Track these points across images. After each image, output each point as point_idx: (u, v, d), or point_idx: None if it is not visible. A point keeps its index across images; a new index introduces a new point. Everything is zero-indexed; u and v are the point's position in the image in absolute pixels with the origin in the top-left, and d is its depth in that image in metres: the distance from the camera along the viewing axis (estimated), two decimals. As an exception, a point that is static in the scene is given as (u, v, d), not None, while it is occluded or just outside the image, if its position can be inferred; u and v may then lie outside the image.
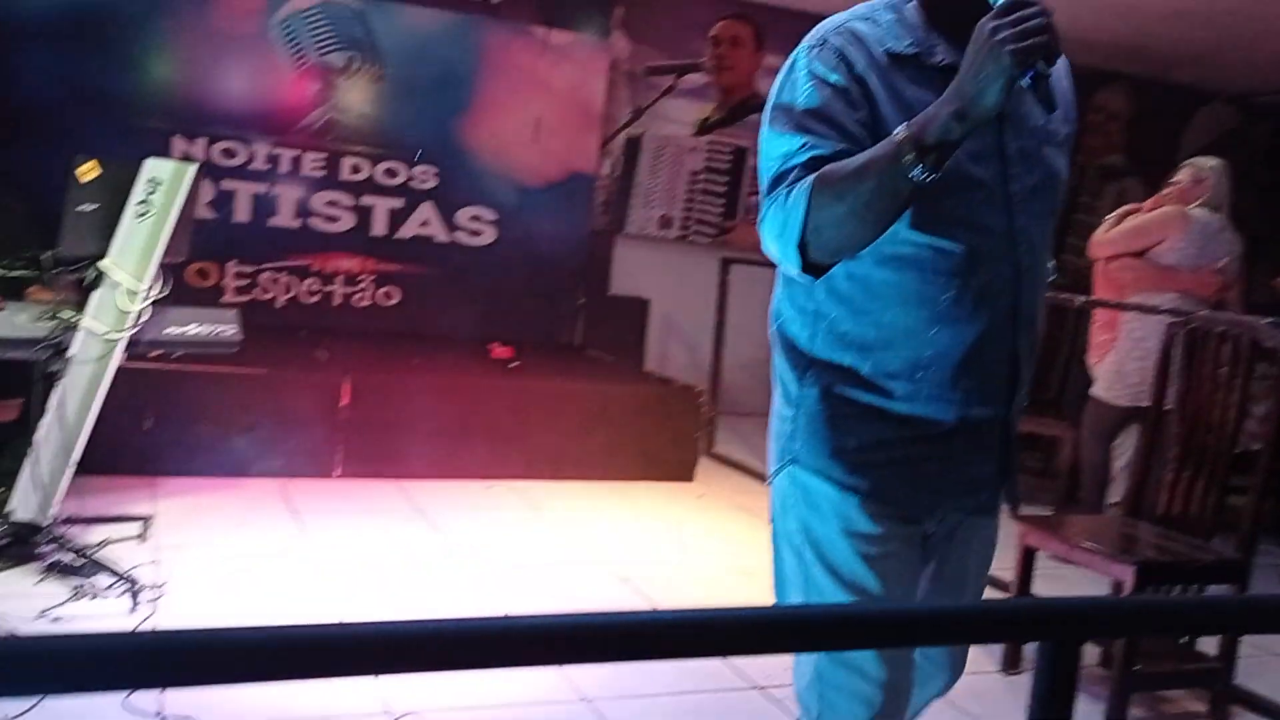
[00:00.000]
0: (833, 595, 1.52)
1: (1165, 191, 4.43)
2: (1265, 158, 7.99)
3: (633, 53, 6.50)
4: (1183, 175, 4.38)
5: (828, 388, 1.51)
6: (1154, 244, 4.29)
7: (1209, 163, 4.39)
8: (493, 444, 4.72)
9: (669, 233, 6.75)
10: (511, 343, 5.60)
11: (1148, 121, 7.55)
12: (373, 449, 4.50)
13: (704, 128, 6.74)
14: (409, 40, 5.81)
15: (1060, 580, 3.75)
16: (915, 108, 1.37)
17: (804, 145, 1.39)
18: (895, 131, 1.32)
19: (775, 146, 1.43)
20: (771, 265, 1.49)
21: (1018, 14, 1.26)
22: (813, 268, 1.39)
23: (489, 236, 6.07)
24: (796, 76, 1.45)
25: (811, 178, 1.36)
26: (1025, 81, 1.26)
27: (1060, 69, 1.52)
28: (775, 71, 1.53)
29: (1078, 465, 4.76)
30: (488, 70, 5.98)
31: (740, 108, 6.72)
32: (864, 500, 1.51)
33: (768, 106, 1.48)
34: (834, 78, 1.41)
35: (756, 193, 1.49)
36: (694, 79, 6.64)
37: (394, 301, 5.91)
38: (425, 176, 5.88)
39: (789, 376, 1.56)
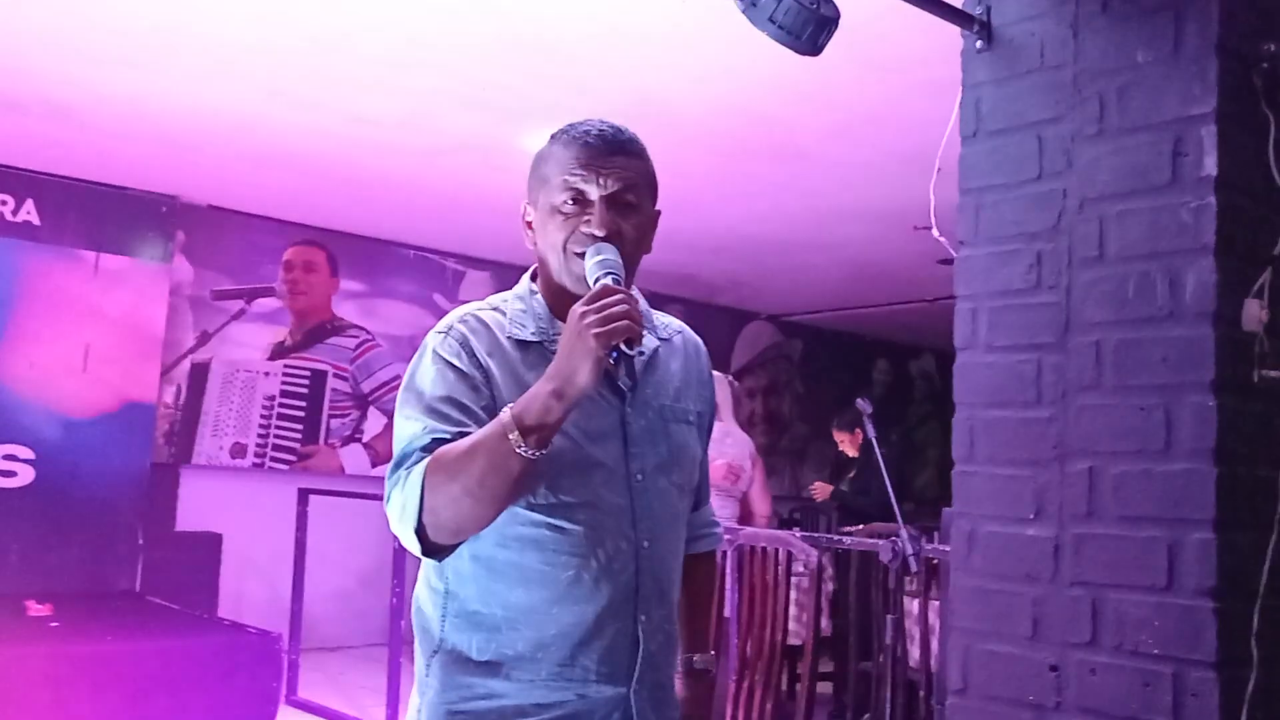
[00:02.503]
0: None
1: None
2: (800, 367, 9.10)
3: (196, 277, 6.22)
4: None
5: (447, 680, 1.49)
6: None
7: None
8: (26, 728, 4.01)
9: (243, 462, 6.36)
10: (53, 597, 4.90)
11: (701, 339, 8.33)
12: None
13: (279, 352, 6.53)
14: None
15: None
16: None
17: (426, 429, 1.43)
18: (502, 412, 1.37)
19: (403, 429, 1.46)
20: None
21: (602, 301, 1.35)
22: (434, 548, 1.41)
23: (25, 477, 5.38)
24: (424, 361, 1.50)
25: (427, 459, 1.39)
26: (611, 358, 1.35)
27: (692, 351, 1.70)
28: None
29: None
30: (23, 296, 5.45)
31: (317, 331, 6.60)
32: None
33: (401, 388, 1.52)
34: (458, 363, 1.47)
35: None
36: (266, 303, 6.46)
37: (-101, 563, 5.03)
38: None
39: (420, 663, 1.54)
